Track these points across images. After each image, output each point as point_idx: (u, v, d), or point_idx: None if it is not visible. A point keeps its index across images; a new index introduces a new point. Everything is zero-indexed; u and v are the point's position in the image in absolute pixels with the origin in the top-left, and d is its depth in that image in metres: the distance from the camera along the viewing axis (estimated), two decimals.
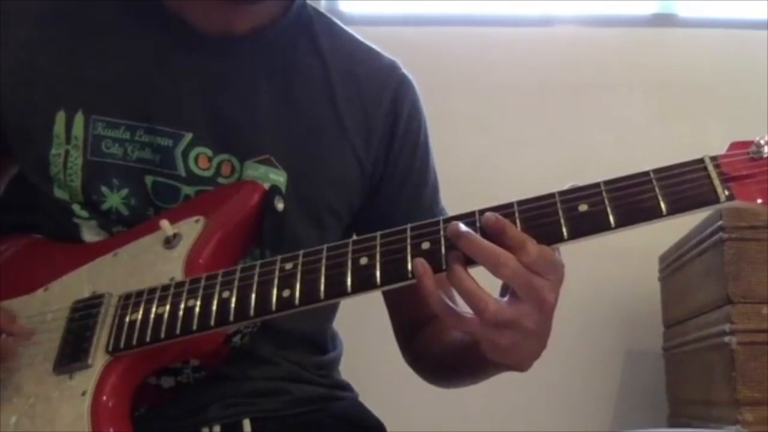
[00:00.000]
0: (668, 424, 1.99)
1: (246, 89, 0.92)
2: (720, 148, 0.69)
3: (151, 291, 0.78)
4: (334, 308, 1.01)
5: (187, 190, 0.88)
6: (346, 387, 1.01)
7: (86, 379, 0.75)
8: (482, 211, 0.70)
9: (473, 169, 2.19)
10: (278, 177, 0.90)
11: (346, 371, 1.04)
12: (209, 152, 0.89)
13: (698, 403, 1.81)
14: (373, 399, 1.01)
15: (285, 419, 0.91)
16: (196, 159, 0.88)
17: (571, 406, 2.16)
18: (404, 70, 1.01)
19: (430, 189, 1.01)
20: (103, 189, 0.87)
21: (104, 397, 0.74)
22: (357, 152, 0.95)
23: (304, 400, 0.93)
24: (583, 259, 2.16)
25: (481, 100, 2.28)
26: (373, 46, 1.02)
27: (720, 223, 1.63)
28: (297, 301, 0.72)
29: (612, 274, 2.15)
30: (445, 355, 0.93)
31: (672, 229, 1.85)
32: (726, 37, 2.31)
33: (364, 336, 1.04)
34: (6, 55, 0.91)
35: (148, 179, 0.88)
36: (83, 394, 0.74)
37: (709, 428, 1.67)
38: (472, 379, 0.92)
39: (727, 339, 1.59)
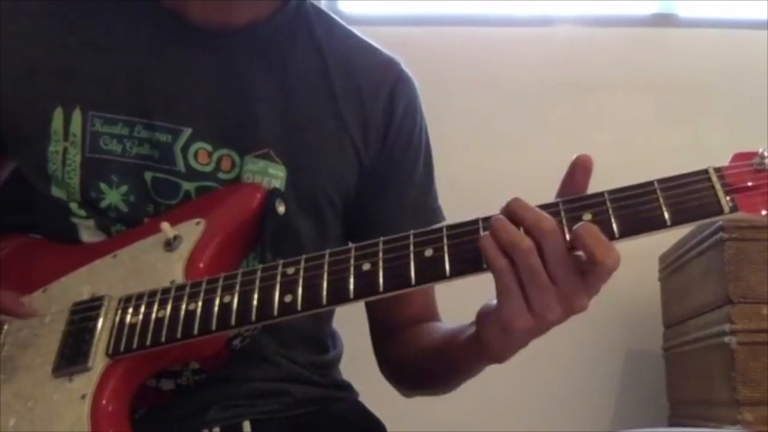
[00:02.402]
0: (668, 424, 1.99)
1: (244, 83, 0.91)
2: (720, 149, 0.69)
3: (152, 294, 0.77)
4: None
5: (187, 185, 0.88)
6: (346, 387, 1.01)
7: (86, 382, 0.75)
8: (485, 219, 0.70)
9: (473, 168, 2.19)
10: (277, 171, 0.89)
11: (346, 371, 1.04)
12: (209, 147, 0.89)
13: (698, 403, 1.81)
14: (373, 399, 1.01)
15: (285, 420, 0.91)
16: (195, 154, 0.88)
17: (571, 406, 2.16)
18: (404, 67, 1.01)
19: (416, 189, 1.00)
20: (102, 186, 0.87)
21: (104, 401, 0.73)
22: (356, 146, 0.95)
23: (304, 400, 0.93)
24: None
25: (481, 100, 2.28)
26: (372, 42, 1.02)
27: (720, 223, 1.63)
28: (299, 307, 0.72)
29: (612, 275, 2.15)
30: (423, 358, 0.93)
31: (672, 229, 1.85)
32: (726, 37, 2.31)
33: (364, 336, 1.04)
34: (3, 52, 0.90)
35: (148, 175, 0.88)
36: (83, 397, 0.74)
37: (709, 428, 1.67)
38: (449, 381, 0.92)
39: (727, 339, 1.59)
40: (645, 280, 2.09)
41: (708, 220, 0.66)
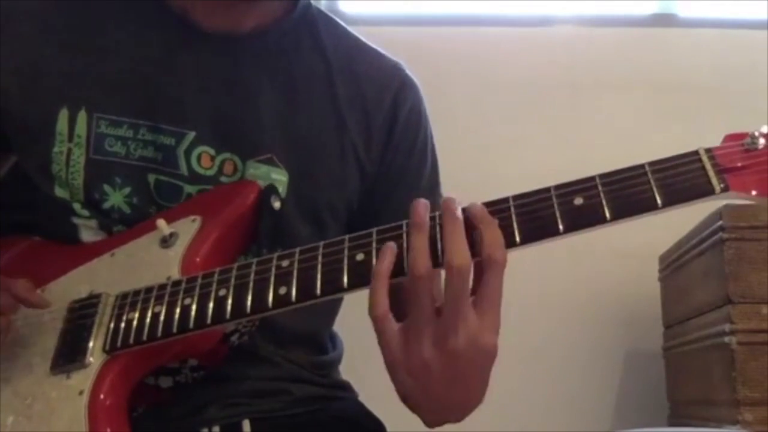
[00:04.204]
0: (668, 424, 1.98)
1: (249, 88, 0.92)
2: None
3: (148, 290, 0.78)
4: (334, 309, 1.01)
5: (190, 188, 0.88)
6: (346, 387, 1.01)
7: (84, 379, 0.75)
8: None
9: (472, 168, 2.19)
10: (280, 176, 0.90)
11: (346, 371, 1.04)
12: (212, 151, 0.89)
13: (698, 403, 1.81)
14: (373, 399, 1.01)
15: (284, 419, 0.91)
16: (198, 158, 0.89)
17: (571, 406, 2.16)
18: (408, 72, 1.01)
19: (423, 195, 1.00)
20: (106, 187, 0.88)
21: (102, 396, 0.73)
22: (358, 152, 0.95)
23: (304, 400, 0.93)
24: (583, 259, 2.17)
25: (481, 99, 2.28)
26: (377, 48, 1.02)
27: (720, 223, 1.63)
28: (294, 298, 0.72)
29: (612, 274, 2.15)
30: None
31: (672, 229, 1.85)
32: (726, 37, 2.31)
33: (364, 336, 1.04)
34: (8, 53, 0.91)
35: (151, 177, 0.88)
36: (81, 393, 0.74)
37: (709, 428, 1.67)
38: None
39: (727, 339, 1.59)
40: (645, 280, 2.08)
41: (700, 201, 0.66)
